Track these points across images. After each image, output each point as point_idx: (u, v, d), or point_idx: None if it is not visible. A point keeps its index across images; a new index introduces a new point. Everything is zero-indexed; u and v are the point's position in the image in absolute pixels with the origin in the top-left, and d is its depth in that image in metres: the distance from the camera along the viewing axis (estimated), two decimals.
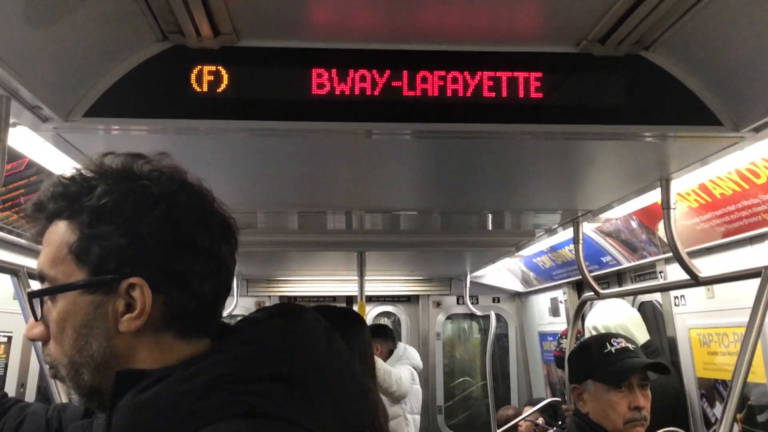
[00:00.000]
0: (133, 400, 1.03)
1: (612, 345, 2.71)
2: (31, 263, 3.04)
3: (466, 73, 2.24)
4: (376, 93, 2.21)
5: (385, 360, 5.94)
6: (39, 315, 1.15)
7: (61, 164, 2.56)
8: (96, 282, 1.09)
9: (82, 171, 1.15)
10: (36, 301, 1.14)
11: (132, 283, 1.08)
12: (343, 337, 2.59)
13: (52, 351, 1.14)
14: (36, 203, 1.16)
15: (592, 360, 2.71)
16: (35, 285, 2.48)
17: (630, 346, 2.76)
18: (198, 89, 2.15)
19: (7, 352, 3.60)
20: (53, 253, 1.13)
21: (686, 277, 3.06)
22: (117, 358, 1.10)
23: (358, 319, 2.76)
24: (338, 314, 2.72)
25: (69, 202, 1.12)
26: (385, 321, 7.90)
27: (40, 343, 1.18)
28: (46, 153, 2.44)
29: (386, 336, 6.19)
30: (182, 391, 1.00)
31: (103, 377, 1.10)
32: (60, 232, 1.13)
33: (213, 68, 2.16)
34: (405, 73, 2.22)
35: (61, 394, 2.51)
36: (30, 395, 3.91)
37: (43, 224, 1.16)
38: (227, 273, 1.19)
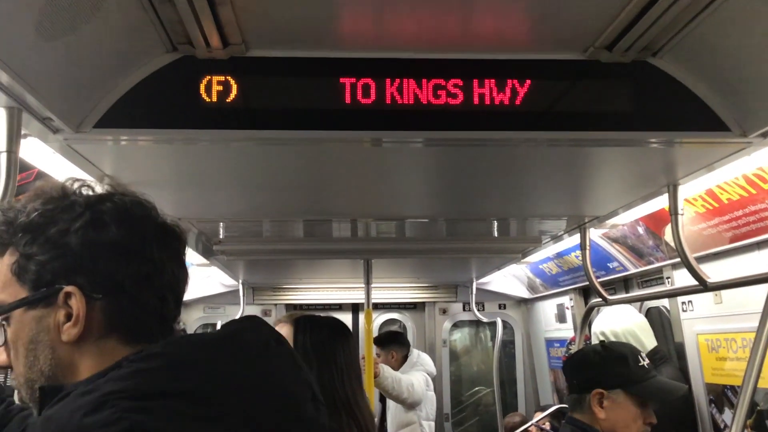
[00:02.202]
0: (44, 414, 1.06)
1: (643, 359, 2.69)
2: None
3: (474, 81, 2.24)
4: (384, 101, 2.22)
5: (399, 366, 5.93)
6: (1, 340, 1.18)
7: (71, 174, 2.57)
8: (34, 297, 1.13)
9: (23, 200, 1.20)
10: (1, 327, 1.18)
11: (67, 292, 1.12)
12: (329, 346, 2.61)
13: (16, 374, 1.18)
14: None
15: (629, 370, 2.64)
16: None
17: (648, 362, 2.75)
18: (207, 99, 2.17)
19: None
20: (2, 279, 1.18)
21: (694, 282, 3.06)
22: (63, 370, 1.13)
23: (344, 328, 2.76)
24: (325, 325, 2.72)
25: (7, 227, 1.17)
26: (393, 329, 7.88)
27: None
28: (55, 164, 2.45)
29: (401, 343, 6.18)
30: (76, 406, 1.00)
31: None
32: (5, 258, 1.18)
33: (222, 78, 2.17)
34: (412, 81, 2.23)
35: None
36: None
37: None
38: (170, 277, 1.21)
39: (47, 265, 1.13)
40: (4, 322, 1.17)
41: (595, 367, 2.75)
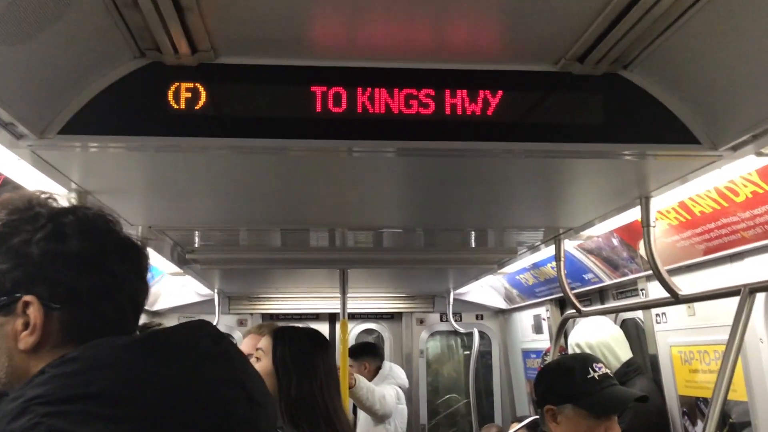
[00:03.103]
0: None
1: (595, 370, 2.67)
2: None
3: (446, 91, 2.24)
4: (356, 110, 2.21)
5: (371, 378, 5.90)
6: None
7: (38, 182, 2.53)
8: None
9: None
10: None
11: (26, 301, 1.15)
12: (308, 357, 2.59)
13: None
14: None
15: (575, 384, 2.64)
16: None
17: (609, 371, 2.73)
18: (176, 106, 2.14)
19: None
20: None
21: (667, 294, 3.07)
22: (19, 377, 1.15)
23: (322, 339, 2.77)
24: (303, 335, 2.72)
25: None
26: (369, 339, 7.85)
27: None
28: (22, 171, 2.40)
29: (374, 354, 6.14)
30: (5, 411, 1.03)
31: None
32: None
33: (191, 85, 2.14)
34: (384, 91, 2.22)
35: None
36: None
37: None
38: (130, 290, 1.24)
39: (8, 274, 1.15)
40: None
41: (544, 384, 2.81)
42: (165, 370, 1.10)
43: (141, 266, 1.28)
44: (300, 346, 2.64)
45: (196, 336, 1.19)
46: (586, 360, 2.78)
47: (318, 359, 2.62)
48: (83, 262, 1.17)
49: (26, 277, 1.15)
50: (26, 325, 1.14)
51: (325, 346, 2.73)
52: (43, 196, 1.24)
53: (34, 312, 1.14)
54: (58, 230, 1.17)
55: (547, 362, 5.39)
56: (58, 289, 1.15)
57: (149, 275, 1.34)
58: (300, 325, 2.87)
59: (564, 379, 2.70)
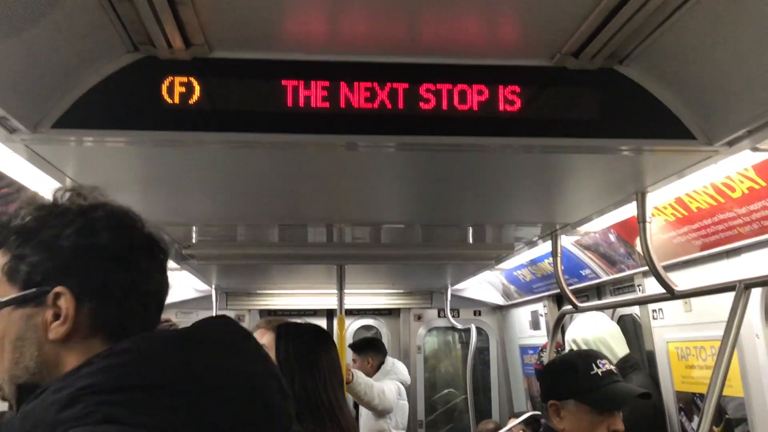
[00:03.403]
0: (22, 410, 1.10)
1: (598, 366, 2.69)
2: None
3: (442, 86, 2.23)
4: (352, 105, 2.20)
5: (374, 373, 5.91)
6: None
7: (32, 176, 2.52)
8: (24, 296, 1.18)
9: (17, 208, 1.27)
10: None
11: (57, 292, 1.16)
12: (311, 353, 2.59)
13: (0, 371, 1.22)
14: None
15: (578, 380, 2.67)
16: None
17: (613, 368, 2.75)
18: (169, 101, 2.13)
19: None
20: None
21: (662, 290, 3.07)
22: (48, 367, 1.17)
23: (326, 335, 2.77)
24: (307, 332, 2.72)
25: (0, 230, 1.24)
26: (369, 335, 7.85)
27: None
28: (16, 165, 2.40)
29: (377, 350, 6.17)
30: (51, 402, 1.06)
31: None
32: None
33: (185, 80, 2.14)
34: (379, 85, 2.21)
35: None
36: None
37: None
38: (154, 285, 1.27)
39: (38, 266, 1.18)
40: None
41: (548, 379, 2.84)
42: (211, 364, 1.14)
43: (164, 263, 1.31)
44: (303, 341, 2.64)
45: (228, 332, 1.24)
46: (590, 356, 2.80)
47: (321, 355, 2.62)
48: (112, 256, 1.20)
49: (57, 269, 1.17)
50: (56, 316, 1.17)
51: (328, 341, 2.73)
52: (67, 192, 1.26)
53: (66, 303, 1.16)
54: (89, 225, 1.20)
55: (543, 358, 5.40)
56: (88, 282, 1.18)
57: None
58: (298, 321, 2.87)
59: (567, 374, 2.72)
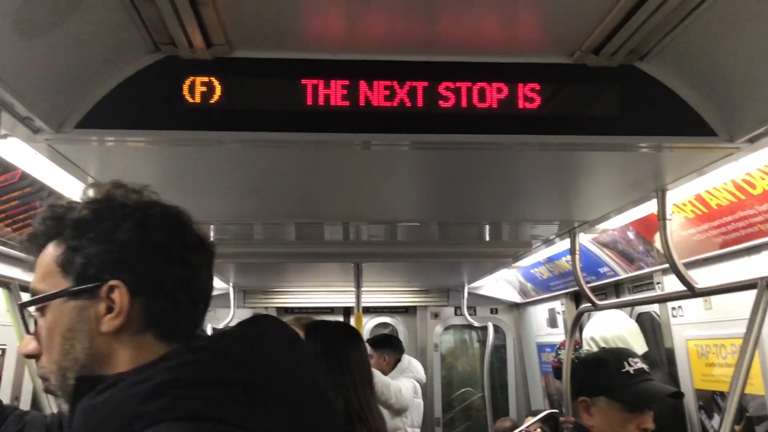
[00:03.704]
0: (87, 403, 1.09)
1: (630, 365, 2.68)
2: (22, 276, 3.03)
3: (460, 84, 2.23)
4: (372, 104, 2.20)
5: (390, 371, 5.91)
6: (32, 329, 1.24)
7: (54, 176, 2.55)
8: (81, 287, 1.18)
9: (70, 200, 1.27)
10: (28, 316, 1.25)
11: (111, 285, 1.17)
12: (340, 351, 2.58)
13: (44, 363, 1.22)
14: (30, 234, 1.27)
15: (609, 377, 2.66)
16: (27, 297, 2.46)
17: (645, 366, 2.73)
18: (191, 100, 2.15)
19: (0, 364, 3.58)
20: (43, 270, 1.23)
21: (683, 288, 3.05)
22: (99, 360, 1.17)
23: (355, 333, 2.75)
24: (335, 329, 2.70)
25: (56, 222, 1.23)
26: (385, 332, 7.85)
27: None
28: (39, 165, 2.43)
29: (394, 347, 6.14)
30: (130, 394, 1.06)
31: None
32: (49, 251, 1.23)
33: (206, 79, 2.15)
34: (398, 83, 2.21)
35: (52, 406, 2.48)
36: (24, 407, 3.88)
37: (36, 252, 1.26)
38: (203, 283, 1.28)
39: (94, 258, 1.18)
40: (36, 312, 1.22)
41: (578, 376, 2.83)
42: (280, 363, 1.17)
43: (211, 261, 1.31)
44: (332, 340, 2.62)
45: (284, 332, 1.26)
46: (621, 354, 2.80)
47: (350, 353, 2.59)
48: (167, 252, 1.21)
49: (113, 262, 1.18)
50: (109, 309, 1.17)
51: (357, 340, 2.70)
52: (121, 188, 1.26)
53: (120, 296, 1.16)
54: (146, 220, 1.21)
55: (561, 356, 5.38)
56: (142, 277, 1.18)
57: None
58: (318, 318, 2.86)
59: (599, 371, 2.71)
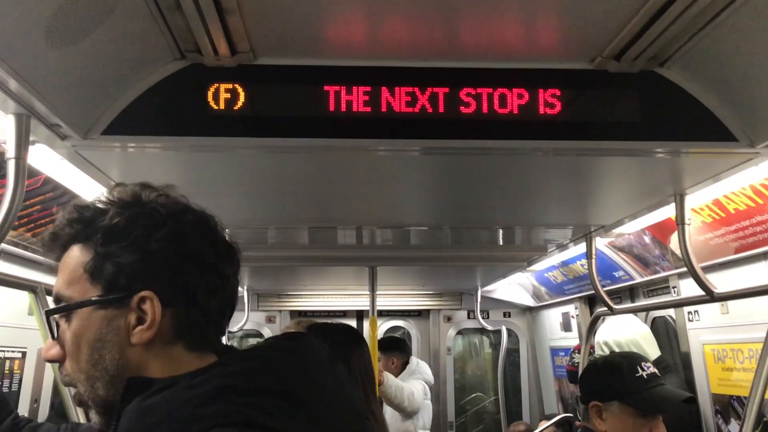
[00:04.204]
0: (140, 404, 1.07)
1: (643, 369, 2.68)
2: (48, 280, 3.06)
3: (483, 90, 2.24)
4: (393, 110, 2.22)
5: (398, 373, 5.92)
6: (56, 334, 1.20)
7: (78, 180, 2.58)
8: (109, 297, 1.15)
9: (95, 201, 1.23)
10: (53, 321, 1.20)
11: (143, 296, 1.14)
12: (344, 354, 2.58)
13: (68, 370, 1.20)
14: (52, 233, 1.23)
15: (622, 382, 2.66)
16: (52, 302, 2.49)
17: (656, 371, 2.73)
18: (215, 107, 2.17)
19: (21, 367, 3.61)
20: (69, 274, 1.19)
21: (701, 292, 3.05)
22: (129, 370, 1.15)
23: (357, 336, 2.75)
24: (339, 332, 2.71)
25: (83, 226, 1.20)
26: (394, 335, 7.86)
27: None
28: (63, 170, 2.46)
29: (402, 350, 6.16)
30: (186, 398, 1.04)
31: (116, 391, 1.14)
32: (75, 255, 1.19)
33: (230, 86, 2.17)
34: (417, 89, 2.23)
35: (78, 415, 2.50)
36: (43, 410, 3.91)
37: (59, 252, 1.23)
38: (231, 292, 1.26)
39: (126, 267, 1.15)
40: (59, 318, 1.19)
41: (591, 380, 2.81)
42: (325, 379, 1.17)
43: (238, 269, 1.29)
44: (334, 342, 2.62)
45: (325, 350, 1.25)
46: (634, 358, 2.79)
47: (353, 356, 2.59)
48: (201, 262, 1.18)
49: (145, 272, 1.15)
50: (139, 320, 1.14)
51: (360, 342, 2.71)
52: (146, 191, 1.23)
53: (152, 308, 1.14)
54: (179, 229, 1.18)
55: (575, 360, 5.38)
56: (175, 287, 1.16)
57: None
58: (330, 321, 2.86)
59: (612, 376, 2.71)
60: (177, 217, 1.20)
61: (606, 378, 2.73)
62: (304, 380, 1.13)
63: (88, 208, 1.21)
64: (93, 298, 1.16)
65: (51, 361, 1.22)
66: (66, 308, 1.18)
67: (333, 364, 1.23)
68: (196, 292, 1.17)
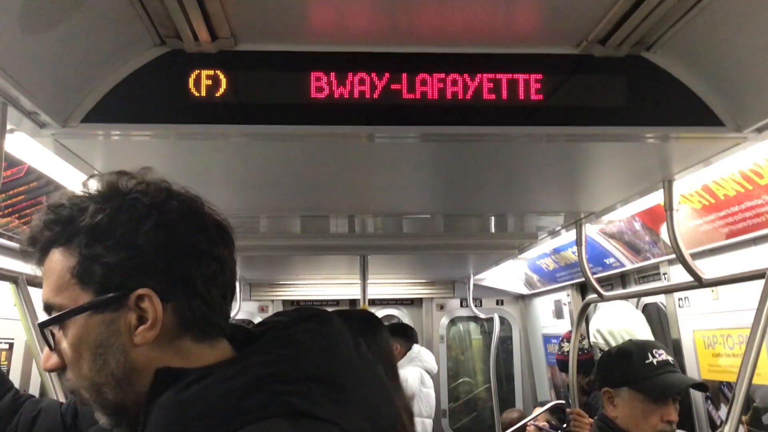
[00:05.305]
0: (174, 398, 1.02)
1: (654, 356, 2.70)
2: (29, 270, 3.03)
3: (466, 76, 2.22)
4: (375, 96, 2.20)
5: (400, 360, 5.88)
6: (52, 345, 1.14)
7: (61, 170, 2.56)
8: (104, 301, 1.08)
9: (70, 197, 1.14)
10: (48, 332, 1.13)
11: (140, 294, 1.08)
12: (364, 339, 2.56)
13: (71, 377, 1.14)
14: (30, 237, 1.15)
15: (632, 368, 2.68)
16: (33, 291, 2.46)
17: (670, 358, 2.74)
18: (196, 94, 2.14)
19: (8, 358, 3.59)
20: (56, 281, 1.12)
21: (690, 278, 3.04)
22: (137, 372, 1.09)
23: (378, 321, 2.71)
24: (357, 317, 2.68)
25: (62, 227, 1.12)
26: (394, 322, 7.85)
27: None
28: (45, 159, 2.43)
29: (407, 337, 6.05)
30: (226, 389, 1.00)
31: (126, 393, 1.10)
32: (58, 259, 1.12)
33: (211, 72, 2.14)
34: (404, 75, 2.21)
35: (59, 397, 2.49)
36: None
37: (39, 257, 1.15)
38: (230, 274, 1.18)
39: (116, 267, 1.08)
40: (53, 327, 1.13)
41: (604, 367, 2.86)
42: (354, 361, 1.15)
43: (233, 247, 1.21)
44: (354, 327, 2.58)
45: (347, 331, 1.21)
46: (647, 345, 2.82)
47: (369, 342, 2.56)
48: (193, 250, 1.11)
49: (137, 269, 1.08)
50: (140, 319, 1.08)
51: (378, 328, 2.67)
52: (125, 178, 1.14)
53: (152, 305, 1.07)
54: (165, 218, 1.11)
55: (564, 348, 5.40)
56: (171, 280, 1.09)
57: None
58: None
59: (622, 363, 2.75)
60: (161, 206, 1.12)
61: (617, 365, 2.77)
62: (339, 364, 1.10)
63: (64, 207, 1.12)
64: (86, 304, 1.09)
65: (51, 370, 1.15)
66: (59, 318, 1.11)
67: (358, 345, 1.20)
68: (195, 282, 1.10)
